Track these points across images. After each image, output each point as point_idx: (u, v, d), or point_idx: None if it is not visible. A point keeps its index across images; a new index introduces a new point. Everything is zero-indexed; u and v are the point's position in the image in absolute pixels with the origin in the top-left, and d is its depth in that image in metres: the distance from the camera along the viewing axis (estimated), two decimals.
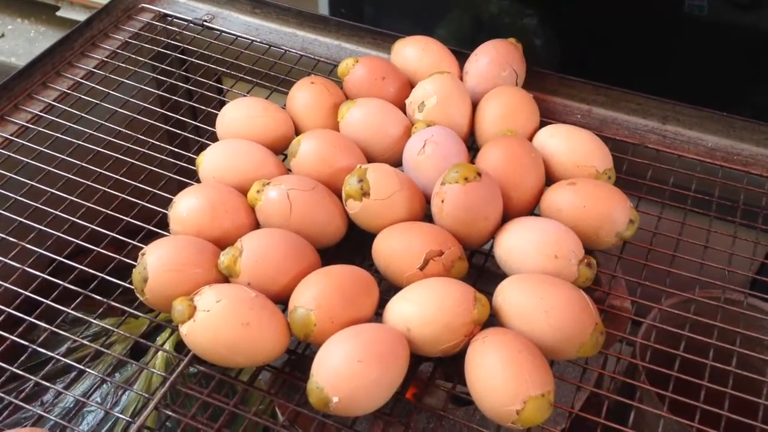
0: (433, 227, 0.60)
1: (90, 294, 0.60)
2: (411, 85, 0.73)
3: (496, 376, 0.50)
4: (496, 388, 0.50)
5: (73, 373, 0.70)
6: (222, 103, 0.71)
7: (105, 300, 0.60)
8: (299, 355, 0.58)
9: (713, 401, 0.54)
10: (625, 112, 0.75)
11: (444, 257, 0.57)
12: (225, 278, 0.57)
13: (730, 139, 0.71)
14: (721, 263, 0.62)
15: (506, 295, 0.56)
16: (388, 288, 0.59)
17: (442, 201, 0.59)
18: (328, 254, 0.62)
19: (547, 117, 0.73)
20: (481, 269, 0.64)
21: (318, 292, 0.54)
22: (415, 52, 0.74)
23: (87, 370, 0.57)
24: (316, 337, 0.53)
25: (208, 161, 0.65)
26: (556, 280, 0.55)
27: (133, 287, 0.57)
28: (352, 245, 0.64)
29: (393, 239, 0.60)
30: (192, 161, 0.68)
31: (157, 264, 0.55)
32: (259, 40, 0.83)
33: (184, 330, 0.52)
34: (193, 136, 0.73)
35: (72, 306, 0.60)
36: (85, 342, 0.59)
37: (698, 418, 0.53)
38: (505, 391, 0.49)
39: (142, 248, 0.57)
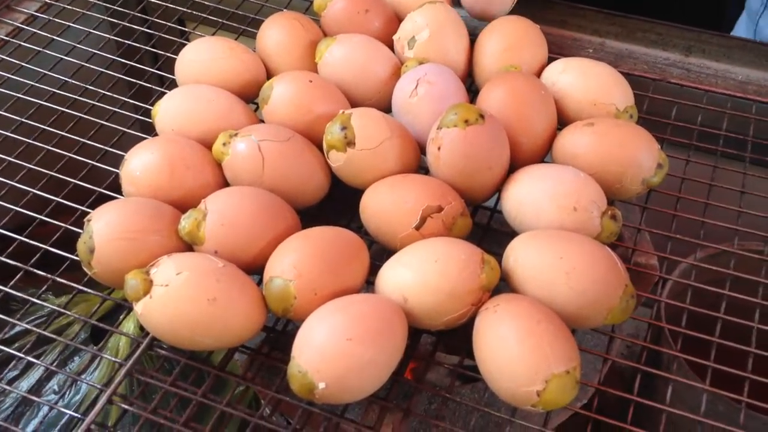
0: (429, 179, 0.51)
1: (32, 269, 0.52)
2: (398, 18, 0.64)
3: (512, 351, 0.42)
4: (513, 366, 0.42)
5: (24, 362, 0.61)
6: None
7: (49, 276, 0.51)
8: (278, 332, 0.50)
9: (763, 371, 0.46)
10: (643, 44, 0.66)
11: (443, 213, 0.49)
12: (188, 247, 0.49)
13: (763, 70, 0.63)
14: (762, 210, 0.54)
15: (519, 255, 0.48)
16: (380, 252, 0.51)
17: (439, 148, 0.50)
18: (309, 216, 0.53)
19: (554, 53, 0.64)
20: (485, 228, 0.55)
21: (298, 259, 0.45)
22: None
23: (34, 361, 0.49)
24: (296, 311, 0.45)
25: (165, 111, 0.56)
26: (576, 236, 0.47)
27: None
28: (336, 204, 0.56)
29: (384, 195, 0.51)
30: (148, 113, 0.59)
31: (104, 232, 0.47)
32: None
33: (139, 309, 0.44)
34: (152, 86, 0.64)
35: (10, 285, 0.51)
36: (30, 328, 0.51)
37: (747, 391, 0.45)
38: (524, 369, 0.41)
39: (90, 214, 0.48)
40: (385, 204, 0.51)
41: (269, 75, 0.61)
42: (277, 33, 0.62)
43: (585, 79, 0.57)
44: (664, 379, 0.47)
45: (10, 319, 0.50)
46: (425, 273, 0.45)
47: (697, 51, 0.65)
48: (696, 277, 0.53)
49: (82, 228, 0.48)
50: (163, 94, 0.60)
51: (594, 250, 0.46)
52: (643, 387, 0.48)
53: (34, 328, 0.49)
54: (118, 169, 0.54)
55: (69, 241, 0.52)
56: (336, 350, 0.42)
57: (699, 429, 0.44)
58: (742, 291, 0.50)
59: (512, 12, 0.64)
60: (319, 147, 0.54)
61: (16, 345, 0.49)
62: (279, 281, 0.45)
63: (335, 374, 0.41)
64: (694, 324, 0.49)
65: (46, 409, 0.59)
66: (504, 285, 0.48)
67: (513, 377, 0.42)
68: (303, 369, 0.42)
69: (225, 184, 0.53)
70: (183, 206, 0.50)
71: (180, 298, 0.44)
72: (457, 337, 0.49)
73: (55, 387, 0.60)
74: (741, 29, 0.92)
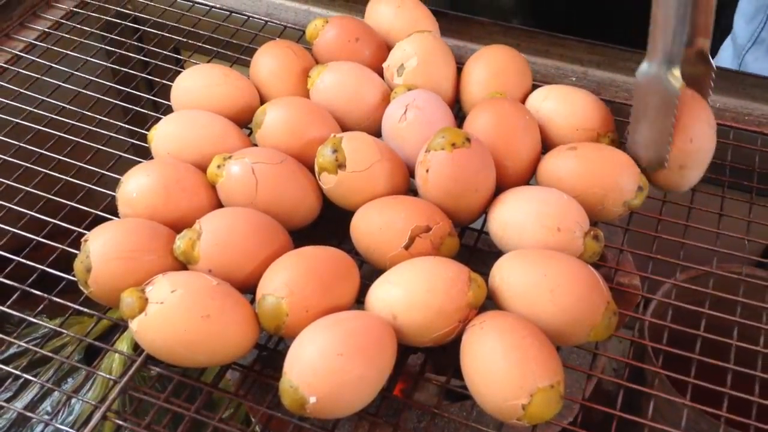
0: (418, 201, 0.53)
1: (29, 289, 0.53)
2: (388, 47, 0.66)
3: (498, 366, 0.43)
4: (498, 380, 0.43)
5: (20, 381, 0.62)
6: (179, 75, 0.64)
7: (46, 296, 0.52)
8: (271, 350, 0.51)
9: (741, 387, 0.47)
10: (623, 72, 0.68)
11: (432, 233, 0.51)
12: (182, 266, 0.50)
13: (740, 98, 0.65)
14: (739, 232, 0.55)
15: (504, 273, 0.49)
16: (370, 273, 0.52)
17: (427, 170, 0.52)
18: (301, 237, 0.54)
19: (538, 81, 0.66)
20: (472, 249, 0.57)
21: (290, 278, 0.47)
22: (390, 9, 0.67)
23: (31, 378, 0.50)
24: (288, 329, 0.46)
25: (161, 135, 0.57)
26: (560, 255, 0.49)
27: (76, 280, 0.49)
28: (327, 226, 0.57)
29: (373, 216, 0.53)
30: (144, 138, 0.61)
31: (101, 251, 0.48)
32: (219, 6, 0.76)
33: (135, 326, 0.45)
34: (148, 111, 0.65)
35: (6, 304, 0.52)
36: (28, 346, 0.52)
37: (726, 406, 0.47)
38: (509, 384, 0.42)
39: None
40: (375, 224, 0.52)
41: (262, 101, 0.63)
42: (271, 60, 0.63)
43: (567, 106, 0.59)
44: (647, 396, 0.48)
45: (6, 338, 0.51)
46: (414, 291, 0.47)
47: None
48: (677, 297, 0.55)
49: (78, 249, 0.49)
50: (159, 119, 0.61)
51: (577, 268, 0.47)
52: (627, 405, 0.49)
53: (31, 346, 0.50)
54: (114, 192, 0.55)
55: (65, 264, 0.53)
56: (327, 365, 0.42)
57: None
58: (721, 311, 0.51)
59: (497, 42, 0.66)
60: (311, 170, 0.55)
61: (11, 366, 0.49)
62: (271, 299, 0.46)
63: (326, 389, 0.42)
64: (675, 343, 0.50)
65: (39, 429, 0.60)
66: (491, 303, 0.50)
67: (499, 391, 0.43)
68: (294, 384, 0.43)
69: (219, 205, 0.54)
70: (178, 227, 0.51)
71: (174, 316, 0.45)
72: (445, 356, 0.50)
73: (48, 408, 0.61)
74: (725, 60, 0.94)
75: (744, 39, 0.89)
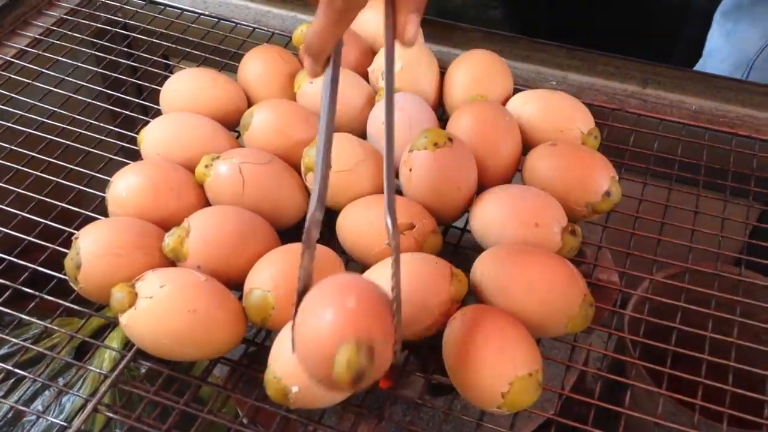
0: (402, 199, 0.54)
1: (20, 287, 0.53)
2: (372, 52, 0.68)
3: (477, 356, 0.44)
4: (478, 370, 0.44)
5: (10, 381, 0.63)
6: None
7: (37, 293, 0.53)
8: (259, 345, 0.52)
9: (715, 377, 0.49)
10: (603, 76, 0.70)
11: (415, 231, 0.52)
12: (171, 264, 0.51)
13: (715, 100, 0.67)
14: (714, 229, 0.57)
15: (485, 269, 0.50)
16: (357, 271, 0.53)
17: (410, 169, 0.53)
18: (288, 236, 0.55)
19: (520, 85, 0.68)
20: (456, 246, 0.58)
21: (276, 272, 0.48)
22: (375, 16, 0.69)
23: (21, 372, 0.50)
24: (274, 321, 0.47)
25: (150, 137, 0.58)
26: (537, 251, 0.50)
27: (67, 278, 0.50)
28: None
29: (359, 214, 0.54)
30: (134, 141, 0.62)
31: (91, 249, 0.49)
32: (207, 13, 0.77)
33: (124, 320, 0.46)
34: (137, 115, 0.67)
35: None
36: (19, 341, 0.53)
37: (701, 395, 0.48)
38: (489, 372, 0.44)
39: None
40: (360, 222, 0.53)
41: (250, 104, 0.64)
42: (258, 65, 0.65)
43: (547, 108, 0.60)
44: (626, 388, 0.50)
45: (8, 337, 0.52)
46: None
47: (653, 83, 0.69)
48: (654, 292, 0.56)
49: (69, 248, 0.50)
50: (148, 122, 0.63)
51: (554, 262, 0.49)
52: (607, 397, 0.50)
53: (21, 341, 0.51)
54: (104, 193, 0.56)
55: (57, 265, 0.54)
56: None
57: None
58: (697, 304, 0.53)
59: (480, 46, 0.68)
60: (298, 170, 0.57)
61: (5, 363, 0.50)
62: (258, 292, 0.47)
63: (306, 378, 0.43)
64: (654, 337, 0.51)
65: (30, 429, 0.61)
66: (473, 299, 0.51)
67: (479, 380, 0.44)
68: (278, 375, 0.44)
69: (207, 205, 0.56)
70: (167, 226, 0.52)
71: (163, 310, 0.46)
72: (430, 354, 0.51)
73: (39, 407, 0.61)
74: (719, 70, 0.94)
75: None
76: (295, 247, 0.51)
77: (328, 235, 0.56)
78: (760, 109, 0.66)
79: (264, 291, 0.47)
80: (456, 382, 0.46)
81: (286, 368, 0.43)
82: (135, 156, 0.61)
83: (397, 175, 0.58)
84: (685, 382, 0.49)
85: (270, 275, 0.48)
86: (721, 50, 0.92)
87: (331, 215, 0.56)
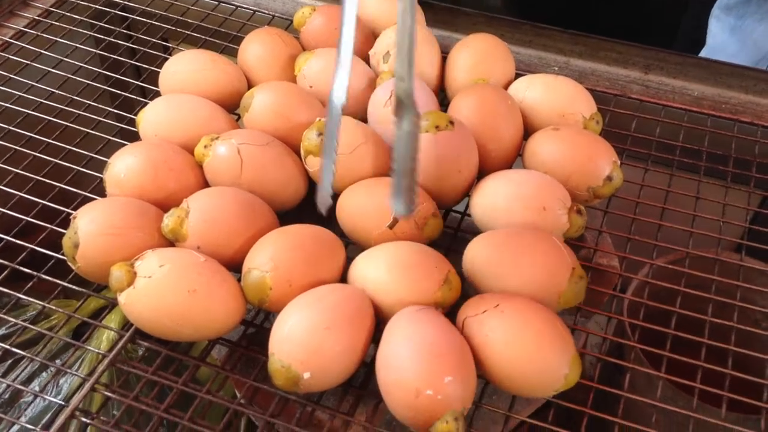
0: None
1: (18, 267, 0.53)
2: (374, 35, 0.67)
3: (535, 346, 0.44)
4: (539, 358, 0.43)
5: (7, 363, 0.63)
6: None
7: (34, 273, 0.53)
8: (257, 326, 0.52)
9: (715, 360, 0.49)
10: (605, 62, 0.70)
11: (416, 214, 0.52)
12: (170, 244, 0.51)
13: (717, 87, 0.67)
14: (715, 215, 0.57)
15: (474, 254, 0.50)
16: (356, 253, 0.53)
17: None
18: (288, 217, 0.55)
19: (522, 71, 0.67)
20: (456, 230, 0.58)
21: (274, 253, 0.48)
22: (377, 0, 0.68)
23: (19, 352, 0.50)
24: (272, 302, 0.47)
25: (149, 118, 0.58)
26: (522, 231, 0.50)
27: (65, 258, 0.50)
28: (314, 208, 0.58)
29: (358, 197, 0.54)
30: (133, 123, 0.62)
31: (90, 228, 0.49)
32: None
33: (123, 299, 0.46)
34: (136, 97, 0.66)
35: None
36: (17, 321, 0.53)
37: (700, 378, 0.48)
38: (552, 357, 0.43)
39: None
40: (361, 205, 0.53)
41: (250, 87, 0.64)
42: (258, 47, 0.64)
43: (550, 93, 0.60)
44: (624, 371, 0.50)
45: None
46: (391, 279, 0.47)
47: (655, 69, 0.69)
48: (654, 277, 0.56)
49: (61, 227, 0.50)
50: (147, 105, 0.62)
51: (538, 240, 0.48)
52: (607, 380, 0.50)
53: (20, 321, 0.51)
54: (101, 174, 0.56)
55: (54, 245, 0.54)
56: (315, 341, 0.43)
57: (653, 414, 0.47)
58: (697, 289, 0.53)
59: (482, 31, 0.67)
60: (298, 153, 0.57)
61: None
62: (256, 273, 0.47)
63: (317, 363, 0.43)
64: (653, 321, 0.51)
65: (28, 410, 0.60)
66: (468, 285, 0.51)
67: (540, 369, 0.44)
68: (285, 363, 0.43)
69: (206, 185, 0.55)
70: (165, 207, 0.52)
71: (162, 290, 0.46)
72: None
73: (37, 387, 0.61)
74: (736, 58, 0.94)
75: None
76: (294, 229, 0.51)
77: (328, 217, 0.56)
78: (763, 96, 0.65)
79: (262, 272, 0.47)
80: (501, 378, 0.45)
81: (294, 355, 0.43)
82: (133, 138, 0.60)
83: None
84: (684, 367, 0.48)
85: (269, 256, 0.47)
86: (729, 45, 0.92)
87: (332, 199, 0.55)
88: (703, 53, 0.96)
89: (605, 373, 0.51)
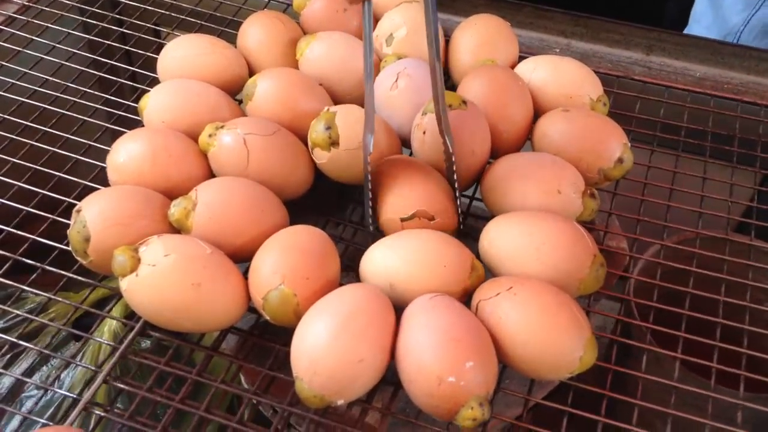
0: (436, 188, 0.52)
1: (21, 258, 0.52)
2: (376, 17, 0.66)
3: (550, 329, 0.43)
4: (554, 341, 0.43)
5: (8, 357, 0.61)
6: (162, 48, 0.63)
7: (38, 265, 0.51)
8: None
9: (731, 340, 0.49)
10: (606, 43, 0.69)
11: (433, 223, 0.50)
12: (177, 232, 0.50)
13: (719, 67, 0.67)
14: (722, 194, 0.57)
15: (492, 237, 0.49)
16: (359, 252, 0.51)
17: (424, 132, 0.52)
18: (295, 207, 0.54)
19: (523, 53, 0.67)
20: (465, 214, 0.57)
21: (279, 265, 0.46)
22: None
23: (23, 343, 0.49)
24: (303, 306, 0.45)
25: (154, 104, 0.56)
26: (544, 214, 0.49)
27: (71, 249, 0.49)
28: (321, 196, 0.57)
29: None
30: (131, 110, 0.60)
31: (98, 219, 0.47)
32: None
33: (125, 285, 0.45)
34: (130, 83, 0.65)
35: None
36: (20, 313, 0.51)
37: (716, 358, 0.48)
38: (567, 340, 0.43)
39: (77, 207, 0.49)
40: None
41: (251, 72, 0.63)
42: (258, 31, 0.63)
43: (557, 75, 0.59)
44: (633, 352, 0.50)
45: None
46: (419, 271, 0.46)
47: (657, 50, 0.69)
48: (664, 258, 0.56)
49: (68, 219, 0.49)
50: (142, 91, 0.61)
51: (561, 225, 0.48)
52: (618, 362, 0.50)
53: (23, 313, 0.50)
54: (100, 162, 0.55)
55: (55, 236, 0.52)
56: (348, 373, 0.41)
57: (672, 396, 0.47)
58: (709, 270, 0.53)
59: (482, 12, 0.66)
60: (304, 141, 0.55)
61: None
62: (273, 293, 0.45)
63: (351, 391, 0.42)
64: (665, 301, 0.51)
65: (30, 404, 0.59)
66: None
67: (555, 351, 0.43)
68: (318, 393, 0.41)
69: (210, 173, 0.54)
70: (169, 194, 0.51)
71: (165, 280, 0.44)
72: None
73: (38, 380, 0.60)
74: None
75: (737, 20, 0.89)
76: (289, 234, 0.48)
77: (335, 206, 0.55)
78: (765, 76, 0.66)
79: (277, 288, 0.45)
80: (518, 361, 0.44)
81: (326, 387, 0.41)
82: (132, 124, 0.59)
83: (404, 144, 0.57)
84: (696, 347, 0.49)
85: (273, 271, 0.45)
86: (706, 15, 0.91)
87: (340, 189, 0.55)
88: (689, 23, 0.95)
89: (616, 355, 0.50)
